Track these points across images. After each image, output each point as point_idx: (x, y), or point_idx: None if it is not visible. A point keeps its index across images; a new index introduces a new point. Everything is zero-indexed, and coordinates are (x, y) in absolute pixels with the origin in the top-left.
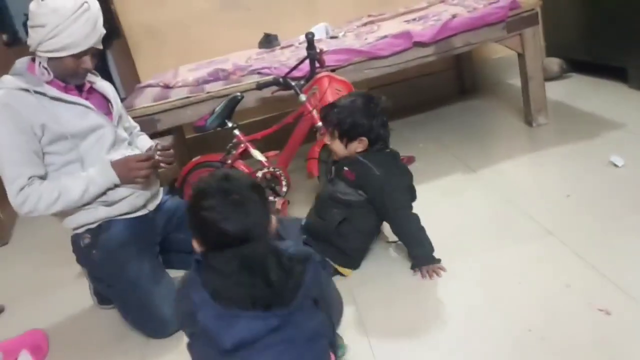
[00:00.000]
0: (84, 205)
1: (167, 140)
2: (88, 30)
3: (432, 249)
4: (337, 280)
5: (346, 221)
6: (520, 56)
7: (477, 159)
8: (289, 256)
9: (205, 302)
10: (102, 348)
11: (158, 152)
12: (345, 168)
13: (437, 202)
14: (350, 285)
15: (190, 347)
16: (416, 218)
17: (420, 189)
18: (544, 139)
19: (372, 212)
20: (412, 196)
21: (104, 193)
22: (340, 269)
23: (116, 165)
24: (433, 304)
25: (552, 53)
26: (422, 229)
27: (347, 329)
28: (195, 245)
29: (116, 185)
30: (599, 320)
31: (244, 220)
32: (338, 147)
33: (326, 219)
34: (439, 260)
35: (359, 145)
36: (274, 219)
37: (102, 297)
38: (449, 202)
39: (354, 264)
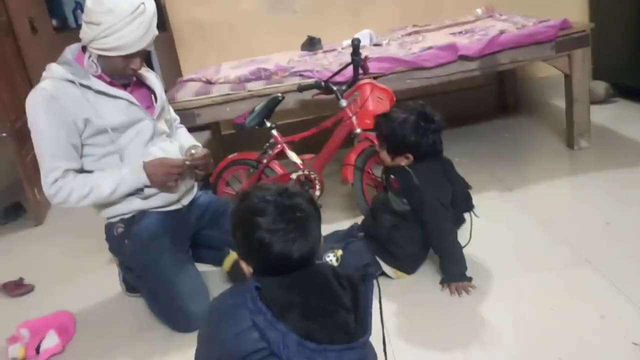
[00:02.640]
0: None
1: (201, 149)
2: (141, 33)
3: (465, 267)
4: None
5: (395, 228)
6: (567, 77)
7: (514, 178)
8: (347, 276)
9: (289, 342)
10: (127, 335)
11: (188, 162)
12: (392, 176)
13: (467, 219)
14: (376, 298)
15: None
16: (453, 232)
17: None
18: (585, 163)
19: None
20: (468, 205)
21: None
22: (394, 272)
23: (148, 166)
24: (460, 322)
25: (599, 76)
26: (458, 245)
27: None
28: (244, 267)
29: (146, 186)
30: (634, 355)
31: (308, 241)
32: (385, 157)
33: (377, 224)
34: (470, 279)
35: (404, 160)
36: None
37: (130, 285)
38: (482, 220)
39: (408, 269)
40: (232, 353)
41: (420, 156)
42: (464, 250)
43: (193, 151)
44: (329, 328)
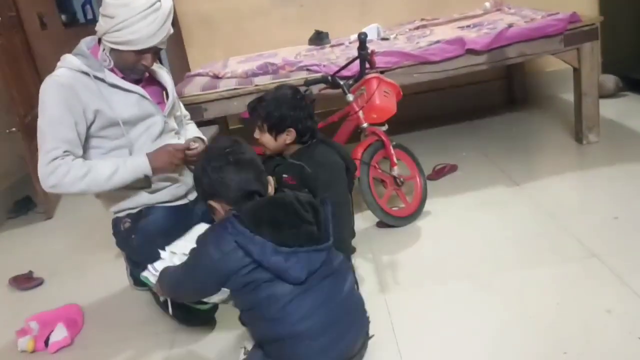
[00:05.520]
0: (110, 190)
1: (200, 145)
2: (154, 29)
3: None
4: (373, 297)
5: None
6: (576, 71)
7: (522, 172)
8: (308, 201)
9: (267, 250)
10: (134, 328)
11: (187, 151)
12: (284, 175)
13: (475, 213)
14: (383, 293)
15: (242, 296)
16: (351, 219)
17: (459, 198)
18: (594, 157)
19: None
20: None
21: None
22: None
23: (151, 151)
24: (466, 317)
25: (609, 70)
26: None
27: (376, 336)
28: (215, 205)
29: (146, 176)
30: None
31: (254, 171)
32: (268, 140)
33: None
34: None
35: (287, 137)
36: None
37: (137, 279)
38: (488, 214)
39: None
40: (221, 272)
41: (300, 129)
42: None
43: (192, 144)
44: (297, 236)
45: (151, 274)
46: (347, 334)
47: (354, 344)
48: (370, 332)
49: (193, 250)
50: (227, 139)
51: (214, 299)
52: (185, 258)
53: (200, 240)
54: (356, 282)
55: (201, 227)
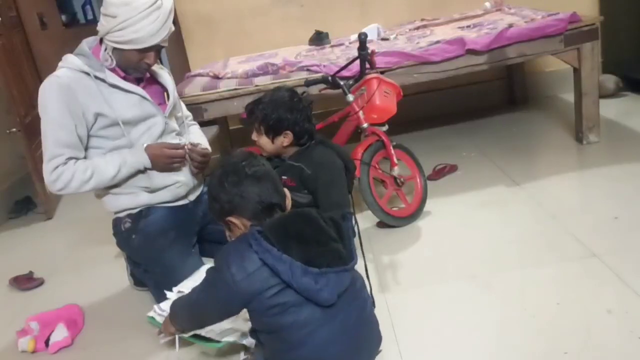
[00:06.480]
0: (114, 186)
1: (203, 146)
2: (156, 28)
3: None
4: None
5: None
6: (576, 71)
7: (522, 172)
8: (329, 216)
9: (296, 270)
10: (134, 328)
11: (188, 150)
12: (284, 177)
13: (476, 213)
14: (383, 293)
15: (265, 319)
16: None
17: (459, 198)
18: (594, 157)
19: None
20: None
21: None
22: None
23: (150, 148)
24: (467, 317)
25: (609, 70)
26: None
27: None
28: (237, 222)
29: (147, 168)
30: None
31: (274, 185)
32: (265, 143)
33: None
34: None
35: (284, 140)
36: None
37: (138, 279)
38: (488, 214)
39: None
40: (245, 293)
41: (298, 131)
42: None
43: (197, 142)
44: (325, 254)
45: (157, 314)
46: (365, 354)
47: None
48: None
49: (211, 270)
50: (240, 153)
51: (230, 338)
52: None
53: (222, 256)
54: (373, 301)
55: (207, 266)
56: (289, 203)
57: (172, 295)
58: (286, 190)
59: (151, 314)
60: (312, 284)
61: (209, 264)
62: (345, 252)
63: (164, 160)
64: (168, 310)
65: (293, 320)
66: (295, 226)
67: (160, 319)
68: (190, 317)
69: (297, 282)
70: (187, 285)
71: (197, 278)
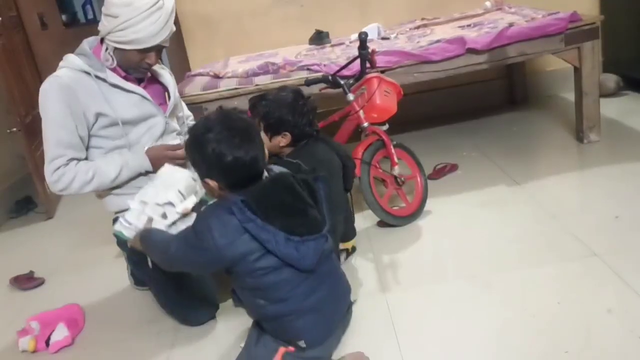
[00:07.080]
0: (116, 187)
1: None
2: (157, 28)
3: None
4: (373, 296)
5: None
6: (577, 70)
7: (523, 171)
8: (302, 179)
9: (279, 240)
10: (135, 328)
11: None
12: None
13: (476, 212)
14: (384, 292)
15: (246, 279)
16: (351, 218)
17: (459, 197)
18: (595, 156)
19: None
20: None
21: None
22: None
23: (150, 150)
24: (467, 316)
25: (609, 69)
26: (353, 229)
27: (378, 336)
28: (209, 183)
29: (148, 172)
30: None
31: (254, 144)
32: (263, 140)
33: None
34: None
35: (282, 140)
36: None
37: (138, 279)
38: (489, 213)
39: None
40: (227, 258)
41: (297, 135)
42: None
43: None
44: (306, 223)
45: (124, 227)
46: (339, 303)
47: (343, 311)
48: (352, 298)
49: (192, 231)
50: (217, 112)
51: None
52: (158, 208)
53: (203, 220)
54: (338, 256)
55: (166, 170)
56: (267, 153)
57: (135, 205)
58: (264, 136)
59: (117, 227)
60: (294, 253)
61: (167, 166)
62: (320, 217)
63: (165, 161)
64: (133, 222)
65: (275, 280)
66: (276, 196)
67: (127, 232)
68: (161, 261)
69: (281, 251)
70: (149, 194)
71: (157, 183)
